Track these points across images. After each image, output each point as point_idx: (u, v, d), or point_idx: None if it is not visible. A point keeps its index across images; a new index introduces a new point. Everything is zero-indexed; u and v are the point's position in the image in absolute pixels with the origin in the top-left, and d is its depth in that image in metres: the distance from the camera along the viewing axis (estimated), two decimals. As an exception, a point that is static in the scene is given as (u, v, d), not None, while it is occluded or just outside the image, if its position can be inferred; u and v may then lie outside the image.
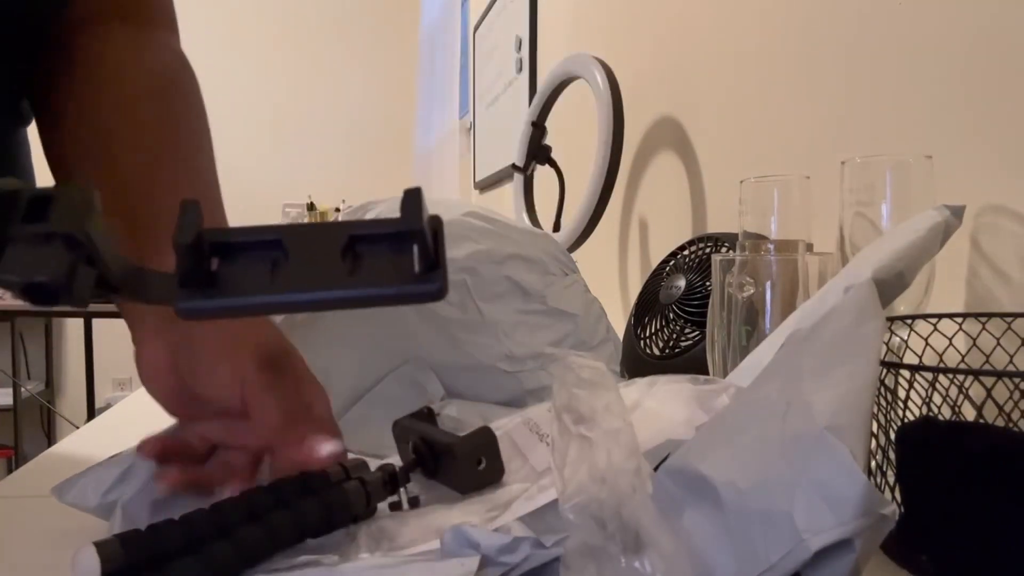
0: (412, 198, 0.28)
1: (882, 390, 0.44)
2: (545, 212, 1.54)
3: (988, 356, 0.52)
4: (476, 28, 2.75)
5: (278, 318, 0.68)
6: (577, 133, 1.57)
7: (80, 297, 0.26)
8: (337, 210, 3.61)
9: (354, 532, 0.41)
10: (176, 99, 0.58)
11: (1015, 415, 0.39)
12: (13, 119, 0.63)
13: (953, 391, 0.40)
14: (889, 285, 0.42)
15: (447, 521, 0.41)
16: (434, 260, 0.28)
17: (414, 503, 0.43)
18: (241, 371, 0.44)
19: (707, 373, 0.62)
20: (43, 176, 0.67)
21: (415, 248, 0.28)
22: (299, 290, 0.28)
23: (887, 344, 0.51)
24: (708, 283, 0.76)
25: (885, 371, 0.43)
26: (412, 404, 0.67)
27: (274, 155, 4.14)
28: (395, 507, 0.43)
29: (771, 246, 0.60)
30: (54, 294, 0.26)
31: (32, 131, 0.65)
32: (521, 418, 0.52)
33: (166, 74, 0.59)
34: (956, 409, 0.40)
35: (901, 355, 0.52)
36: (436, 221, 0.29)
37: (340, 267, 0.28)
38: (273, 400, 0.44)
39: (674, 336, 0.78)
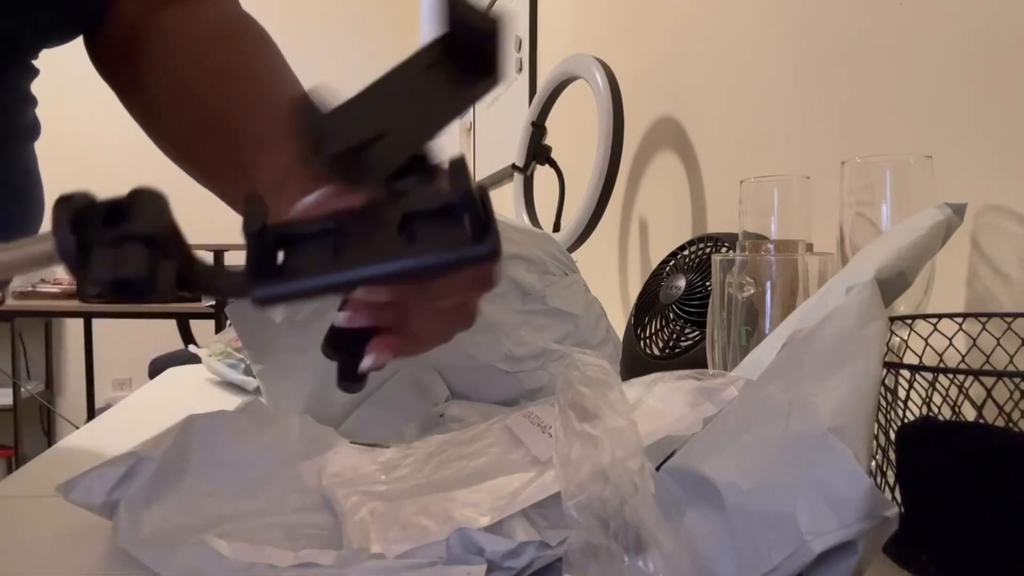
0: (458, 168, 0.30)
1: (882, 390, 0.44)
2: (545, 212, 1.54)
3: (988, 356, 0.52)
4: (476, 28, 2.75)
5: (279, 317, 0.68)
6: (577, 133, 1.57)
7: (163, 291, 0.28)
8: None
9: (361, 519, 0.41)
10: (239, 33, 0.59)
11: (1015, 415, 0.39)
12: (23, 133, 0.63)
13: (953, 391, 0.40)
14: (891, 284, 0.42)
15: (453, 509, 0.41)
16: (485, 224, 0.30)
17: None
18: None
19: (707, 373, 0.62)
20: (49, 187, 0.68)
21: (466, 216, 0.30)
22: (362, 265, 0.30)
23: (887, 344, 0.51)
24: (708, 283, 0.76)
25: (885, 371, 0.43)
26: (417, 405, 0.67)
27: (274, 155, 4.13)
28: None
29: (771, 246, 0.60)
30: (140, 290, 0.27)
31: (39, 145, 0.65)
32: (521, 413, 0.52)
33: (224, 20, 0.60)
34: (956, 409, 0.40)
35: (901, 355, 0.52)
36: (482, 189, 0.30)
37: (397, 242, 0.30)
38: None
39: (674, 336, 0.78)
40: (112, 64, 0.62)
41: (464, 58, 0.34)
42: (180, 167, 0.57)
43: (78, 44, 0.63)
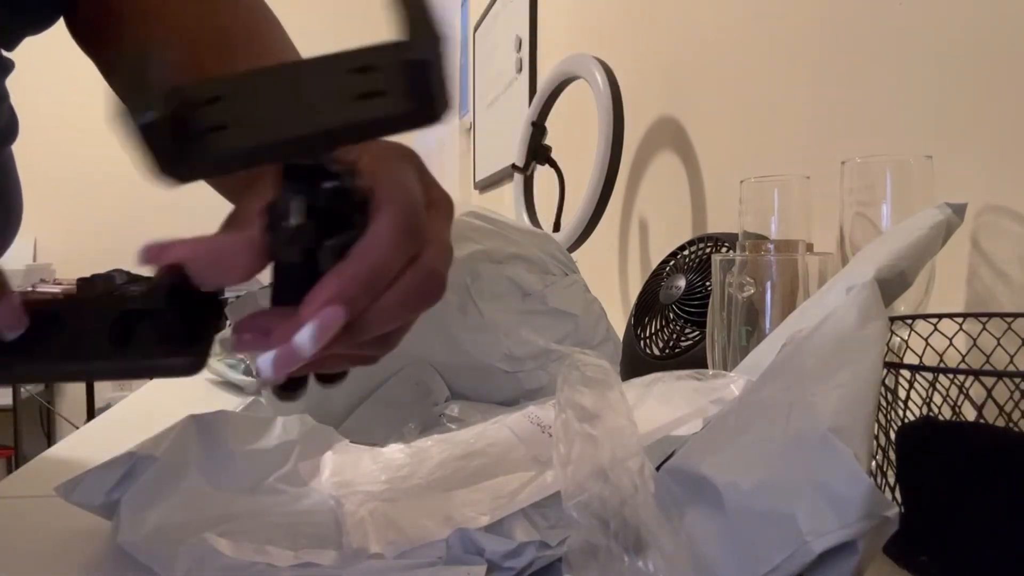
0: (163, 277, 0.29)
1: (882, 390, 0.44)
2: (545, 212, 1.54)
3: (988, 356, 0.52)
4: (476, 28, 2.75)
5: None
6: (577, 133, 1.57)
7: None
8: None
9: (361, 519, 0.41)
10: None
11: (1015, 415, 0.39)
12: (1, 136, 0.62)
13: (953, 391, 0.40)
14: (891, 284, 0.42)
15: (452, 509, 0.41)
16: (183, 336, 0.30)
17: None
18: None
19: (708, 373, 0.62)
20: (29, 190, 0.67)
21: (176, 319, 0.30)
22: (66, 360, 0.31)
23: (887, 344, 0.51)
24: (708, 283, 0.76)
25: (885, 371, 0.43)
26: (417, 405, 0.67)
27: (273, 155, 4.13)
28: None
29: (771, 246, 0.60)
30: None
31: (16, 147, 0.64)
32: (521, 413, 0.52)
33: None
34: (956, 409, 0.40)
35: (901, 355, 0.52)
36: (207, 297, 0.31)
37: (107, 340, 0.30)
38: None
39: (674, 336, 0.78)
40: (91, 40, 0.58)
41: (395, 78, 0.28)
42: None
43: (53, 34, 0.60)
